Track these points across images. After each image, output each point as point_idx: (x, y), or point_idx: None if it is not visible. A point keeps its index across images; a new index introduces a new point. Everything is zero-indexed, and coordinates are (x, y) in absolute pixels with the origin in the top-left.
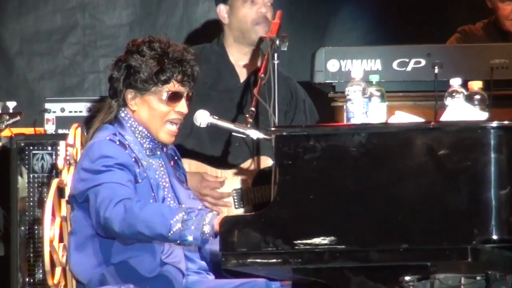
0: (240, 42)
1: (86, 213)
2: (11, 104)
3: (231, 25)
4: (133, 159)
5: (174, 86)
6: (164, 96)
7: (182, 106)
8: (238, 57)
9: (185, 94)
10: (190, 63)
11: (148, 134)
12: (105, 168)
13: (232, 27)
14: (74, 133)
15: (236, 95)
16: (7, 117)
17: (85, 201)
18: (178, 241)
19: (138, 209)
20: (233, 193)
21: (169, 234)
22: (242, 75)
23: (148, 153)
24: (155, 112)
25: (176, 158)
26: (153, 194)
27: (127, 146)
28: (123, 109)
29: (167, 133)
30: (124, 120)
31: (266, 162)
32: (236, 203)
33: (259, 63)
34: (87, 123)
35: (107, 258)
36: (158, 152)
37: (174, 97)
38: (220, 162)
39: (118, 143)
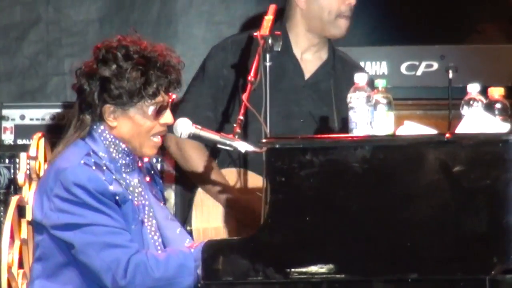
0: (314, 33)
1: (59, 241)
2: None
3: (309, 11)
4: (113, 181)
5: (160, 97)
6: (150, 110)
7: (167, 117)
8: (305, 49)
9: (169, 103)
10: (175, 68)
11: (126, 150)
12: (89, 204)
13: (310, 14)
14: (37, 144)
15: (301, 96)
16: None
17: (63, 231)
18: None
19: (156, 269)
20: None
21: (199, 285)
22: (308, 71)
23: (123, 169)
24: (140, 128)
25: (152, 172)
26: (138, 218)
27: (104, 167)
28: (98, 124)
29: (152, 146)
30: (99, 135)
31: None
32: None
33: (325, 58)
34: (51, 132)
35: (86, 285)
36: (133, 168)
37: (160, 110)
38: None
39: (94, 167)
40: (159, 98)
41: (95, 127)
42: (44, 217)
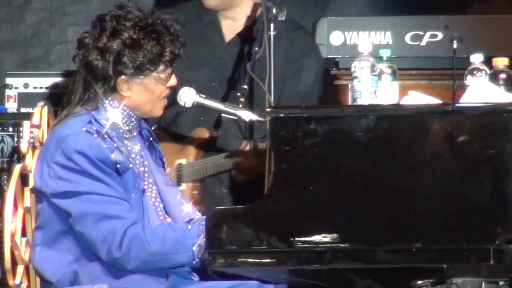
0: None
1: (58, 210)
2: None
3: None
4: (114, 149)
5: (171, 62)
6: (164, 75)
7: (173, 80)
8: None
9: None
10: (179, 31)
11: (131, 114)
12: (89, 172)
13: None
14: (40, 113)
15: (222, 57)
16: None
17: (62, 199)
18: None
19: (152, 242)
20: (176, 170)
21: (194, 262)
22: (228, 34)
23: (125, 135)
24: (154, 94)
25: (151, 139)
26: (138, 186)
27: (105, 135)
28: (108, 94)
29: (160, 108)
30: (102, 104)
31: (202, 134)
32: (177, 180)
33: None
34: (55, 100)
35: (84, 254)
36: (135, 133)
37: (171, 73)
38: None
39: (95, 135)
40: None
41: (105, 98)
42: (43, 184)
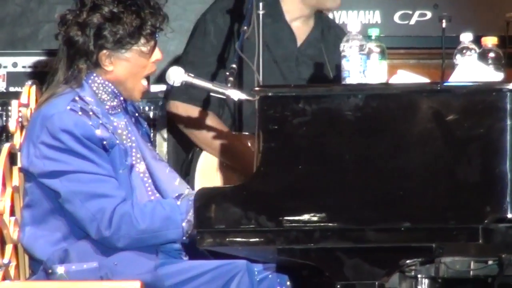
0: (307, 4)
1: (47, 189)
2: None
3: None
4: (100, 126)
5: (153, 35)
6: (146, 49)
7: (157, 54)
8: (295, 18)
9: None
10: (160, 2)
11: (115, 91)
12: (75, 151)
13: None
14: (29, 92)
15: (295, 63)
16: None
17: (49, 178)
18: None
19: (141, 220)
20: None
21: (184, 238)
22: (299, 38)
23: (110, 111)
24: (137, 68)
25: (137, 114)
26: (125, 162)
27: (90, 112)
28: (92, 71)
29: (140, 90)
30: (86, 81)
31: None
32: None
33: (312, 24)
34: (43, 79)
35: (73, 233)
36: (120, 109)
37: (154, 46)
38: None
39: (80, 112)
40: (152, 36)
41: (88, 74)
42: (30, 165)
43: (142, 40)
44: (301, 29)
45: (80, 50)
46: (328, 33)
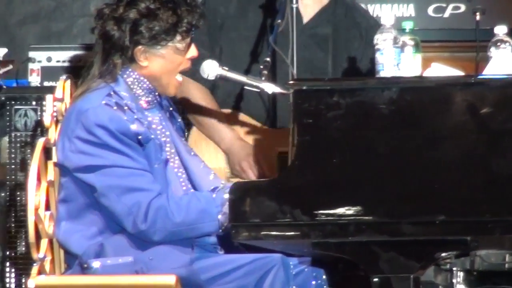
0: None
1: (82, 184)
2: (2, 51)
3: None
4: (135, 121)
5: (189, 32)
6: (182, 46)
7: (193, 50)
8: None
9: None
10: (197, 1)
11: (150, 86)
12: (110, 145)
13: None
14: (63, 86)
15: (297, 40)
16: None
17: (84, 173)
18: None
19: (177, 213)
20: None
21: (220, 230)
22: (306, 15)
23: (145, 106)
24: (172, 65)
25: (171, 108)
26: (160, 157)
27: (125, 107)
28: (127, 66)
29: (176, 86)
30: (122, 76)
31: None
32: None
33: (325, 2)
34: (77, 74)
35: (109, 227)
36: (154, 104)
37: (190, 44)
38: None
39: (115, 107)
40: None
41: (123, 69)
42: (65, 159)
43: (178, 37)
44: (310, 6)
45: (116, 45)
46: (343, 15)
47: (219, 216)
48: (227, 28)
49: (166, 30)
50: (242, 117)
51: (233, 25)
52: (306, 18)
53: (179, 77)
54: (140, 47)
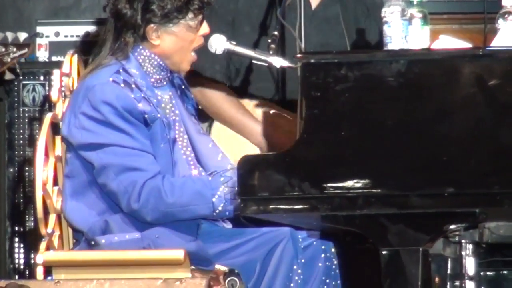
0: None
1: (84, 160)
2: (22, 35)
3: None
4: (142, 99)
5: (200, 10)
6: (194, 23)
7: (205, 27)
8: None
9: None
10: None
11: (162, 64)
12: (114, 124)
13: None
14: (70, 61)
15: (309, 27)
16: (14, 49)
17: (86, 151)
18: (223, 216)
19: (170, 194)
20: None
21: (214, 214)
22: (314, 1)
23: (155, 84)
24: (184, 43)
25: (183, 87)
26: (167, 136)
27: (133, 85)
28: (138, 44)
29: (189, 61)
30: (133, 53)
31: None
32: None
33: None
34: (85, 49)
35: (112, 206)
36: (165, 82)
37: (202, 21)
38: None
39: (123, 84)
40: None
41: (135, 47)
42: (69, 134)
43: (190, 15)
44: None
45: (128, 23)
46: None
47: (214, 199)
48: (239, 23)
49: (178, 8)
50: (268, 107)
51: (245, 20)
52: (314, 4)
53: (194, 55)
54: (152, 25)
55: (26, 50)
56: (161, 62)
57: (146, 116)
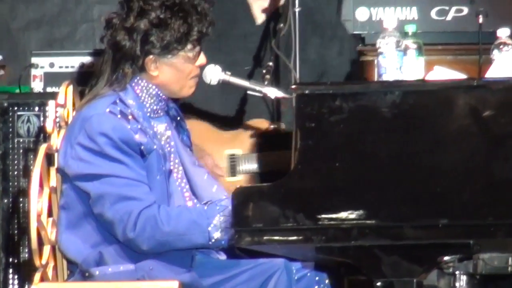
0: None
1: (81, 191)
2: None
3: None
4: (138, 131)
5: (199, 41)
6: (192, 54)
7: (202, 58)
8: None
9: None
10: (206, 8)
11: (159, 94)
12: (110, 155)
13: None
14: (65, 92)
15: (252, 41)
16: None
17: (83, 181)
18: (218, 245)
19: (166, 223)
20: (228, 160)
21: (210, 243)
22: (260, 16)
23: (151, 115)
24: (182, 74)
25: (179, 118)
26: (163, 168)
27: (130, 116)
28: (136, 74)
29: (190, 87)
30: (130, 84)
31: (262, 124)
32: (230, 171)
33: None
34: (80, 80)
35: (107, 237)
36: (162, 113)
37: (199, 52)
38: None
39: (119, 115)
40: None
41: (133, 78)
42: (65, 165)
43: (189, 46)
44: (265, 8)
45: (127, 54)
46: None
47: (209, 228)
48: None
49: (177, 39)
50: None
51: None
52: (259, 20)
53: (194, 80)
54: (151, 56)
55: (1, 72)
56: (159, 92)
57: (142, 147)
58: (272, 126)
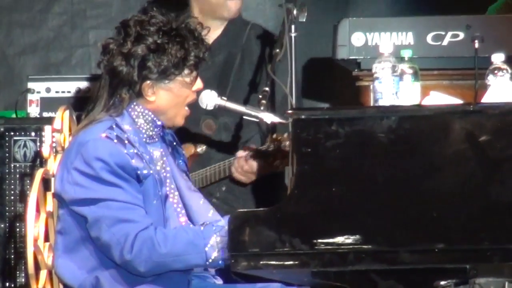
0: (207, 16)
1: (77, 216)
2: None
3: None
4: (135, 156)
5: (196, 66)
6: (189, 79)
7: (198, 83)
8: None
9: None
10: (203, 34)
11: (155, 119)
12: (106, 179)
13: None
14: (62, 117)
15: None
16: None
17: (79, 206)
18: (216, 266)
19: (163, 244)
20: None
21: (207, 263)
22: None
23: (147, 141)
24: (179, 99)
25: (175, 144)
26: (159, 192)
27: (126, 141)
28: (133, 100)
29: (183, 116)
30: (127, 109)
31: (188, 150)
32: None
33: (218, 33)
34: (77, 104)
35: (104, 262)
36: (157, 138)
37: (196, 77)
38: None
39: (116, 140)
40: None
41: (130, 104)
42: (62, 190)
43: (186, 71)
44: (207, 37)
45: (124, 80)
46: (242, 36)
47: (206, 249)
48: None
49: (175, 64)
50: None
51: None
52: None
53: (187, 109)
54: (148, 82)
55: None
56: (155, 118)
57: (138, 172)
58: (197, 150)
